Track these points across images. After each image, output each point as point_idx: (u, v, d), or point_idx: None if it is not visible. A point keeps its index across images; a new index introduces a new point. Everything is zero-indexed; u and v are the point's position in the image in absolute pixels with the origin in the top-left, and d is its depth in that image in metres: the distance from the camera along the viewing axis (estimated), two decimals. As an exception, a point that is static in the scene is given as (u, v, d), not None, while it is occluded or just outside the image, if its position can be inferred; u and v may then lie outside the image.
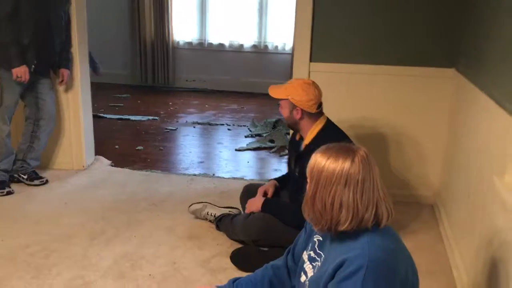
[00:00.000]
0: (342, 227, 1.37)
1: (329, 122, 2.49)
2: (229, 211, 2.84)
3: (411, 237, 2.73)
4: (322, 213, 1.39)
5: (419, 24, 3.03)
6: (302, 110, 2.39)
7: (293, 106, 2.40)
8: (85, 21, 3.59)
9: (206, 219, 2.87)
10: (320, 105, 2.44)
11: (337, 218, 1.37)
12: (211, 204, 2.91)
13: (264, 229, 2.48)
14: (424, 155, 3.22)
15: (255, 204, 2.58)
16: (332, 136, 2.34)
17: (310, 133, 2.43)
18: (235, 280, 1.73)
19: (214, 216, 2.81)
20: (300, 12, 3.15)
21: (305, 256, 1.56)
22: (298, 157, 2.48)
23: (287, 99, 2.41)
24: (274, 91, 2.48)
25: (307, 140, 2.44)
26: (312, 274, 1.49)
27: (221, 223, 2.75)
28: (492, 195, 1.92)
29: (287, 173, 2.82)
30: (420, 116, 3.16)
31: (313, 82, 2.46)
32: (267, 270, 1.73)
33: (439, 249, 2.71)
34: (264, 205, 2.55)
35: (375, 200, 1.38)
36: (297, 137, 2.57)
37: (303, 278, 1.52)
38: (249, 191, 2.78)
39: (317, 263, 1.49)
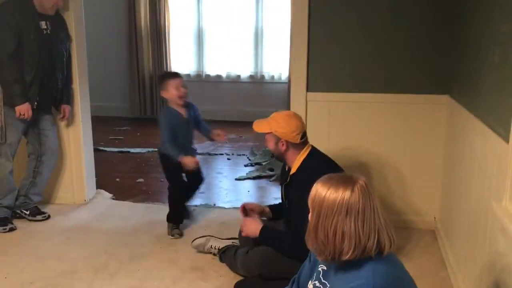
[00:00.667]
0: (345, 257, 1.39)
1: (313, 150, 2.52)
2: (233, 242, 2.85)
3: (413, 263, 2.74)
4: (325, 243, 1.41)
5: (412, 51, 3.10)
6: (286, 141, 2.43)
7: (278, 139, 2.44)
8: (85, 57, 3.67)
9: (210, 252, 2.88)
10: (304, 135, 2.48)
11: (340, 248, 1.39)
12: (214, 237, 2.92)
13: (265, 264, 2.46)
14: (422, 181, 3.26)
15: (252, 229, 2.54)
16: (316, 163, 2.41)
17: (296, 162, 2.47)
18: None
19: (218, 248, 2.83)
20: (296, 44, 3.23)
21: (310, 286, 1.58)
22: (286, 187, 2.52)
23: (271, 132, 2.46)
24: (258, 126, 2.53)
25: (293, 170, 2.48)
26: None
27: (225, 255, 2.76)
28: (491, 220, 1.96)
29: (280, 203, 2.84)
30: (417, 143, 3.21)
31: (295, 114, 2.53)
32: None
33: (443, 274, 2.72)
34: (261, 233, 2.51)
35: (376, 228, 1.40)
36: (286, 167, 2.61)
37: None
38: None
39: None
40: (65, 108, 3.45)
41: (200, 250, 2.90)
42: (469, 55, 2.64)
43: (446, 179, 3.09)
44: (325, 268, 1.55)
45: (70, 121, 3.58)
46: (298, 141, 2.45)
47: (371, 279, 1.35)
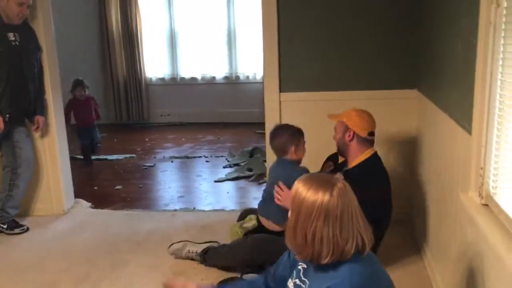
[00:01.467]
0: (324, 260, 1.42)
1: (377, 155, 2.65)
2: (210, 245, 2.86)
3: (388, 254, 2.80)
4: (303, 245, 1.44)
5: (380, 47, 3.18)
6: (354, 133, 2.57)
7: (346, 128, 2.59)
8: (57, 67, 3.65)
9: (188, 257, 2.85)
10: (371, 133, 2.61)
11: (318, 251, 1.42)
12: (190, 242, 2.91)
13: (257, 249, 2.59)
14: (395, 175, 3.32)
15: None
16: (378, 167, 2.59)
17: (357, 159, 2.60)
18: (222, 285, 1.79)
19: (196, 252, 2.82)
20: (267, 46, 3.27)
21: (290, 284, 1.61)
22: (344, 176, 2.54)
23: (342, 121, 2.61)
24: (332, 116, 2.70)
25: (351, 165, 2.61)
26: None
27: (208, 255, 2.77)
28: (460, 210, 2.03)
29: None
30: (388, 137, 3.28)
31: (368, 112, 2.66)
32: (254, 284, 1.80)
33: (419, 265, 2.79)
34: None
35: (355, 232, 1.42)
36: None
37: None
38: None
39: None
40: (39, 119, 3.43)
41: (178, 255, 2.87)
42: (434, 50, 2.72)
43: (417, 172, 3.17)
44: (305, 266, 1.58)
45: (45, 132, 3.56)
46: (365, 135, 2.58)
47: (347, 277, 1.38)
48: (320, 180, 1.45)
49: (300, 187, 1.45)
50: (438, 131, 2.58)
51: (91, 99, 5.19)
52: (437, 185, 2.58)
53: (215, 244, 2.87)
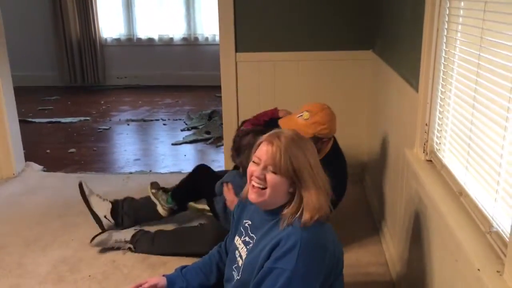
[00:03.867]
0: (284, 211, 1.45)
1: (336, 143, 2.50)
2: (134, 229, 2.66)
3: (341, 212, 2.86)
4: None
5: (335, 8, 3.16)
6: (328, 139, 2.37)
7: (319, 139, 2.30)
8: (1, 24, 3.45)
9: (116, 248, 2.58)
10: None
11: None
12: (113, 230, 2.66)
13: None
14: (350, 135, 3.37)
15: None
16: (339, 159, 2.48)
17: (321, 153, 2.32)
18: (182, 268, 1.77)
19: (125, 240, 2.58)
20: (222, 5, 3.20)
21: (238, 241, 1.62)
22: None
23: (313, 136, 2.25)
24: (286, 120, 2.40)
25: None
26: (245, 256, 1.55)
27: (139, 243, 2.57)
28: (406, 167, 2.08)
29: None
30: (343, 98, 3.31)
31: (328, 107, 2.37)
32: (213, 255, 1.79)
33: (369, 222, 2.87)
34: None
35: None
36: None
37: (240, 262, 1.58)
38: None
39: (250, 245, 1.55)
40: (-18, 78, 3.27)
41: (104, 247, 2.60)
42: (387, 11, 2.72)
43: (371, 132, 3.22)
44: (250, 222, 1.59)
45: (-10, 93, 3.40)
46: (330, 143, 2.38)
47: (299, 230, 1.40)
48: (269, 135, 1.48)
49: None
50: (389, 90, 2.61)
51: None
52: (386, 144, 2.63)
53: (145, 228, 2.68)
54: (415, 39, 2.02)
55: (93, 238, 2.60)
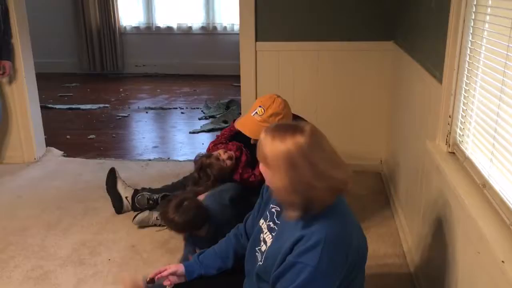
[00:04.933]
0: (313, 210, 1.38)
1: None
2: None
3: (359, 204, 2.87)
4: (279, 193, 1.40)
5: (359, -1, 3.14)
6: None
7: None
8: (25, 10, 3.49)
9: (155, 225, 2.70)
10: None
11: (291, 200, 1.38)
12: (154, 210, 2.74)
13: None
14: (369, 126, 3.37)
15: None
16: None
17: None
18: (200, 253, 1.78)
19: None
20: (243, -7, 3.19)
21: (263, 225, 1.60)
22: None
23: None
24: (253, 132, 2.24)
25: None
26: (270, 243, 1.55)
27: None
28: (427, 159, 2.07)
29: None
30: (364, 89, 3.29)
31: (279, 96, 2.29)
32: (230, 240, 1.78)
33: (386, 213, 2.87)
34: None
35: (326, 176, 1.35)
36: None
37: (263, 247, 1.56)
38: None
39: (275, 233, 1.53)
40: (5, 64, 3.31)
41: (145, 225, 2.69)
42: (411, 1, 2.69)
43: (391, 124, 3.20)
44: (278, 209, 1.57)
45: (13, 78, 3.45)
46: None
47: (325, 226, 1.36)
48: (286, 128, 1.39)
49: (264, 138, 1.39)
50: (411, 81, 2.59)
51: None
52: (408, 135, 2.61)
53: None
54: (439, 29, 2.00)
55: (135, 217, 2.70)
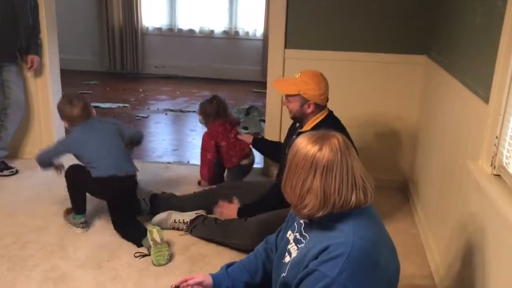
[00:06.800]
0: (310, 212, 1.37)
1: (331, 114, 2.46)
2: (196, 213, 2.70)
3: (384, 220, 2.78)
4: (292, 197, 1.41)
5: (392, 11, 3.07)
6: (314, 104, 2.36)
7: (305, 101, 2.35)
8: (54, 6, 3.48)
9: (173, 228, 2.66)
10: (327, 98, 2.43)
11: (302, 202, 1.38)
12: (175, 211, 2.72)
13: (261, 232, 2.23)
14: (396, 141, 3.30)
15: (230, 212, 2.62)
16: (330, 126, 2.32)
17: (310, 122, 2.40)
18: (228, 266, 1.72)
19: (183, 221, 2.66)
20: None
21: (291, 237, 1.56)
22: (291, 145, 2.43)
23: (299, 94, 2.35)
24: (282, 86, 2.45)
25: (305, 128, 2.39)
26: (295, 255, 1.50)
27: (195, 228, 2.62)
28: (466, 179, 1.99)
29: (275, 143, 3.02)
30: (392, 103, 3.22)
31: (321, 74, 2.42)
32: (259, 254, 1.73)
33: (413, 232, 2.79)
34: (239, 214, 2.57)
35: (349, 185, 1.36)
36: (297, 125, 2.56)
37: (287, 258, 1.53)
38: None
39: (301, 245, 1.49)
40: (33, 58, 3.29)
41: (163, 226, 2.64)
42: (449, 16, 2.62)
43: (420, 139, 3.13)
44: (306, 221, 1.53)
45: (38, 73, 3.43)
46: (324, 103, 2.40)
47: (351, 238, 1.33)
48: (316, 136, 1.42)
49: (297, 142, 1.43)
50: (445, 98, 2.51)
51: None
52: (439, 153, 2.54)
53: (202, 212, 2.74)
54: (485, 47, 1.93)
55: (155, 217, 2.68)
